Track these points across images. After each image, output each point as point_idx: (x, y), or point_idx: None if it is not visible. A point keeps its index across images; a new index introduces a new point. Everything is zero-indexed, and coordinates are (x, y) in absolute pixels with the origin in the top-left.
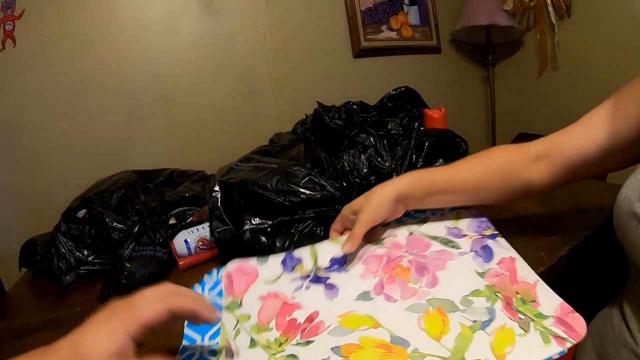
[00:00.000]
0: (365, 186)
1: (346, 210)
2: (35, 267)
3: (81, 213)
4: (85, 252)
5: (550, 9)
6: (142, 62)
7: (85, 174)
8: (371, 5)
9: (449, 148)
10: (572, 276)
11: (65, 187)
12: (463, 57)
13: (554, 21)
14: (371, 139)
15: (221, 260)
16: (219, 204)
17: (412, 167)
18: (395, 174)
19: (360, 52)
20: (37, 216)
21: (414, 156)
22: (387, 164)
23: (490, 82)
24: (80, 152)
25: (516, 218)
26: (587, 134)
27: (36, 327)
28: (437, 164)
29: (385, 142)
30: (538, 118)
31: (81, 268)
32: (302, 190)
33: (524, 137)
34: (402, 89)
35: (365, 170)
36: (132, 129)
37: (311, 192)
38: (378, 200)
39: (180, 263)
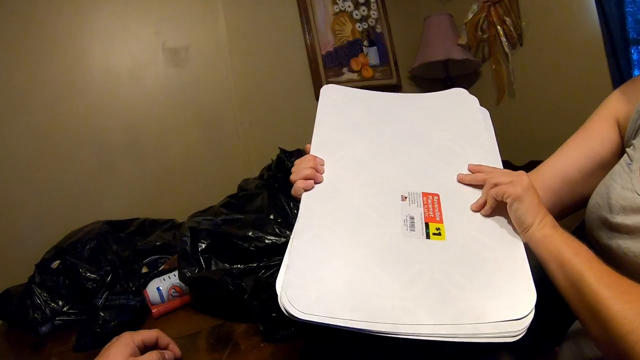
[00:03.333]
0: None
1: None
2: (10, 318)
3: (55, 264)
4: (60, 303)
5: (503, 39)
6: (111, 111)
7: (57, 223)
8: (331, 49)
9: None
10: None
11: (38, 237)
12: (423, 92)
13: (507, 50)
14: None
15: (193, 306)
16: (188, 247)
17: None
18: None
19: None
20: (10, 266)
21: None
22: None
23: None
24: (53, 201)
25: None
26: (563, 159)
27: None
28: None
29: None
30: (501, 143)
31: (57, 318)
32: (267, 237)
33: None
34: None
35: None
36: (102, 177)
37: (276, 238)
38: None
39: (153, 311)
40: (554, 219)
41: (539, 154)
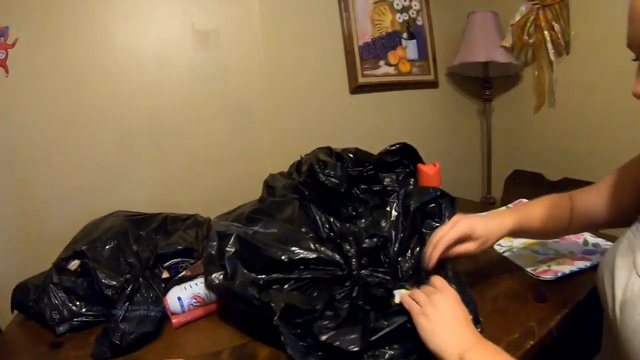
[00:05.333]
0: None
1: (466, 227)
2: (28, 312)
3: (73, 265)
4: (78, 304)
5: (549, 45)
6: (135, 95)
7: (77, 209)
8: (369, 40)
9: (435, 211)
10: (560, 343)
11: (57, 222)
12: (460, 91)
13: (552, 58)
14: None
15: (220, 314)
16: (214, 252)
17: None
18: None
19: (357, 88)
20: (29, 251)
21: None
22: (385, 231)
23: (486, 117)
24: (73, 186)
25: (514, 281)
26: (598, 201)
27: None
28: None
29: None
30: (534, 155)
31: (74, 320)
32: (300, 250)
33: (519, 175)
34: (400, 145)
35: (365, 239)
36: (123, 163)
37: (307, 253)
38: (497, 236)
39: (173, 321)
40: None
41: (575, 171)
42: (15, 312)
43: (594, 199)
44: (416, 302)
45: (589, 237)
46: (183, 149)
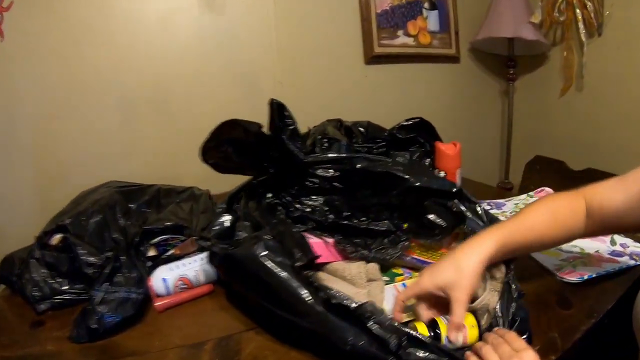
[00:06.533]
0: None
1: (428, 283)
2: (13, 287)
3: (55, 239)
4: (60, 280)
5: (581, 25)
6: (137, 61)
7: (73, 178)
8: (388, 8)
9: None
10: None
11: (52, 191)
12: (482, 68)
13: (583, 39)
14: None
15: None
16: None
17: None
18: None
19: (373, 59)
20: (21, 221)
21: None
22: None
23: (509, 97)
24: (70, 155)
25: (535, 282)
26: (627, 202)
27: None
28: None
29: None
30: (558, 140)
31: (56, 297)
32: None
33: (540, 161)
34: (416, 120)
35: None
36: (123, 133)
37: None
38: (472, 274)
39: (156, 304)
40: None
41: (600, 162)
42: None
43: (621, 199)
44: None
45: (615, 235)
46: (188, 118)
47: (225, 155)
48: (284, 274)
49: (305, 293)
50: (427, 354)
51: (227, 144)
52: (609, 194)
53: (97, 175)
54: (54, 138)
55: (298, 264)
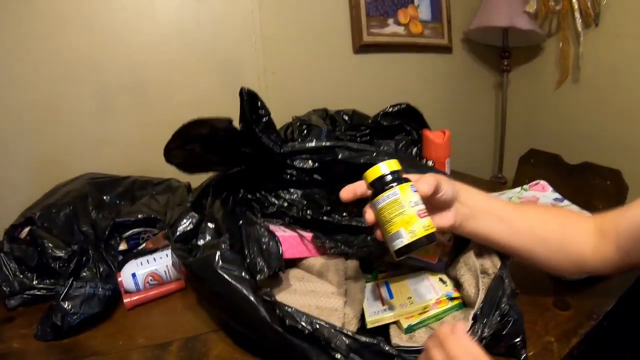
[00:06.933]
0: None
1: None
2: None
3: (24, 232)
4: (30, 275)
5: (577, 15)
6: (114, 48)
7: (48, 170)
8: None
9: None
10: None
11: (27, 184)
12: (475, 59)
13: (579, 29)
14: None
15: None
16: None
17: None
18: None
19: (362, 48)
20: None
21: None
22: None
23: (503, 90)
24: (45, 146)
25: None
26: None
27: None
28: None
29: None
30: (553, 133)
31: (26, 293)
32: None
33: (535, 154)
34: (402, 106)
35: None
36: (101, 123)
37: None
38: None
39: (125, 301)
40: None
41: (596, 156)
42: None
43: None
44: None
45: None
46: (167, 108)
47: (191, 153)
48: (241, 290)
49: (262, 312)
50: None
51: (194, 142)
52: (622, 212)
53: (73, 167)
54: (27, 130)
55: (259, 277)
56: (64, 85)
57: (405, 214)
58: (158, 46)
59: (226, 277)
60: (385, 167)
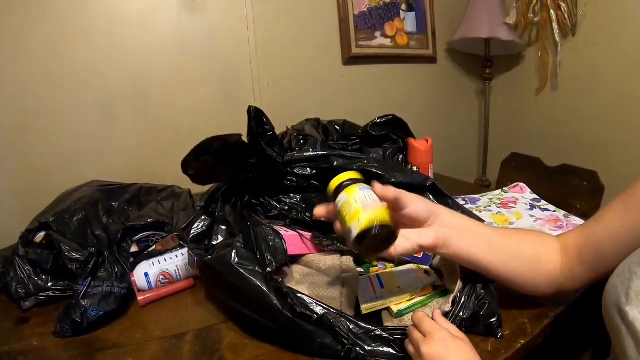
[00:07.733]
0: None
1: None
2: None
3: (39, 237)
4: (44, 277)
5: (555, 25)
6: (116, 60)
7: (53, 178)
8: (365, 9)
9: None
10: (552, 344)
11: (33, 190)
12: (459, 68)
13: (557, 39)
14: None
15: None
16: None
17: None
18: None
19: (351, 59)
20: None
21: None
22: None
23: (485, 97)
24: (51, 153)
25: None
26: (602, 230)
27: None
28: None
29: None
30: (534, 138)
31: (41, 294)
32: None
33: (517, 158)
34: (389, 117)
35: None
36: (103, 131)
37: None
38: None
39: (139, 298)
40: None
41: (575, 158)
42: None
43: (594, 231)
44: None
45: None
46: (167, 117)
47: (204, 164)
48: (255, 282)
49: (274, 300)
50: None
51: (207, 154)
52: (582, 229)
53: (77, 174)
54: (32, 137)
55: (268, 270)
56: (67, 96)
57: (352, 210)
58: (158, 57)
59: (242, 271)
60: (339, 178)
